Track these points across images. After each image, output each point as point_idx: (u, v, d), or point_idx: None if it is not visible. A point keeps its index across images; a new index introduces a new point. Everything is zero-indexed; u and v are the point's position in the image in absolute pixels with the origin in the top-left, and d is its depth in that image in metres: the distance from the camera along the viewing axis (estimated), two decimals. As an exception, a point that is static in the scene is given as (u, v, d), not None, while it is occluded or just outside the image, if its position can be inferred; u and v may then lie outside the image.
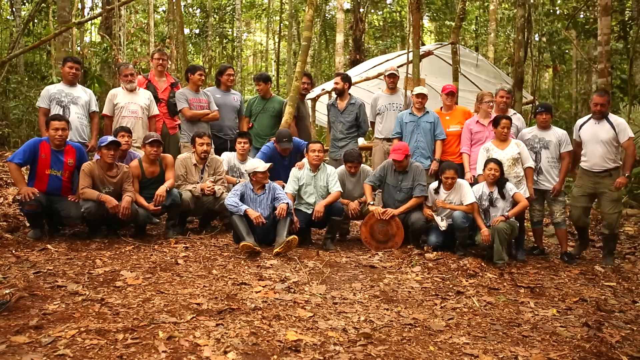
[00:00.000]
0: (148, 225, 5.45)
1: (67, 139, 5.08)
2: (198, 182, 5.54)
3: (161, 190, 5.13)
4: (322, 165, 5.50)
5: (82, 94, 5.72)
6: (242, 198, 5.13)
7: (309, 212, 5.42)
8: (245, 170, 5.53)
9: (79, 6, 15.46)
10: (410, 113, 5.99)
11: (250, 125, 6.60)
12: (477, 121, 5.71)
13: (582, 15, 13.51)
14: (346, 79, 6.57)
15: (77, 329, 2.78)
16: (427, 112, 5.97)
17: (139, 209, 5.08)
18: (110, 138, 5.02)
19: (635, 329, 3.44)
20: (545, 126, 5.52)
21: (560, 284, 4.46)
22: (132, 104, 5.82)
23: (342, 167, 5.83)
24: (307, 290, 3.79)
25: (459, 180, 5.34)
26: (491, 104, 5.66)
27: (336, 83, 6.61)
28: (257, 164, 5.17)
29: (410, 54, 7.62)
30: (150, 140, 5.23)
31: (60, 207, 4.94)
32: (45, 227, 5.03)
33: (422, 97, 5.90)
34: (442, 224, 5.22)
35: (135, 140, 5.67)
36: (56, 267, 3.97)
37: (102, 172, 4.99)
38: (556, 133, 5.49)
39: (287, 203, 5.06)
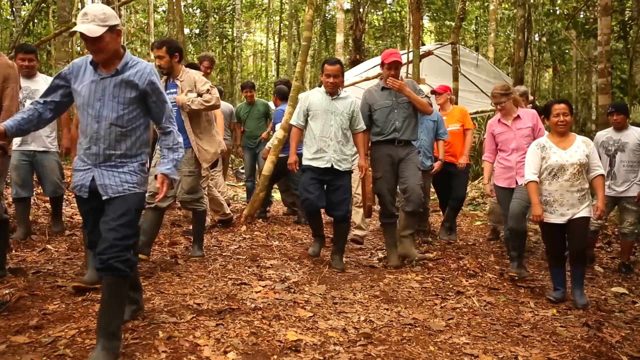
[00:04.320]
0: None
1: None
2: None
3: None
4: (341, 91, 4.55)
5: (43, 85, 4.59)
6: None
7: (323, 166, 4.36)
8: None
9: (79, 6, 15.46)
10: None
11: (242, 129, 7.22)
12: (499, 120, 4.75)
13: (582, 15, 13.51)
14: None
15: (77, 329, 2.78)
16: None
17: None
18: None
19: (635, 328, 3.44)
20: (620, 127, 4.91)
21: (560, 284, 4.45)
22: None
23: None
24: (307, 290, 3.79)
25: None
26: (502, 104, 4.65)
27: None
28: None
29: (410, 54, 7.63)
30: None
31: None
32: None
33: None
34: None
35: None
36: (56, 267, 3.97)
37: None
38: (635, 132, 4.85)
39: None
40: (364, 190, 5.00)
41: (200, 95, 4.31)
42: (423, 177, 5.48)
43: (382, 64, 4.64)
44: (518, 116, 4.64)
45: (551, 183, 3.88)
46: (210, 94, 4.31)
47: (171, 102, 4.22)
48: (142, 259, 4.05)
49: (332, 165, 4.36)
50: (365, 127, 4.52)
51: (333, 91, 4.43)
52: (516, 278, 4.37)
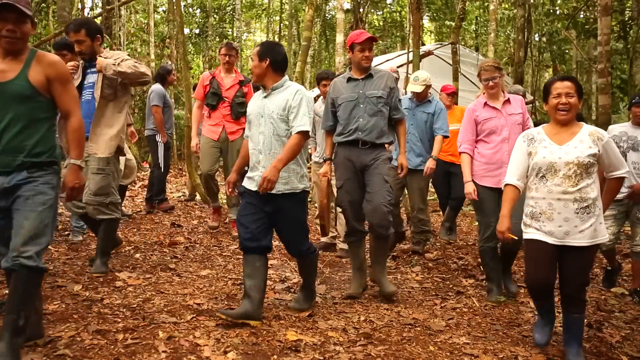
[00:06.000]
0: (150, 225, 5.43)
1: None
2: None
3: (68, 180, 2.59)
4: (284, 82, 3.25)
5: None
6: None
7: (253, 188, 3.19)
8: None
9: (79, 6, 15.46)
10: (409, 98, 5.10)
11: None
12: (486, 103, 3.92)
13: (582, 15, 13.51)
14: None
15: (77, 329, 2.79)
16: (429, 100, 5.09)
17: None
18: None
19: (635, 328, 3.44)
20: None
21: (560, 284, 4.45)
22: None
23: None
24: (307, 290, 3.79)
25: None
26: (495, 79, 3.86)
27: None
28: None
29: (410, 54, 7.64)
30: None
31: None
32: None
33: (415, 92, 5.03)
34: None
35: None
36: (56, 267, 3.97)
37: None
38: None
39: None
40: (320, 204, 4.03)
41: None
42: (417, 177, 4.95)
43: (351, 47, 3.78)
44: (508, 99, 3.90)
45: (538, 188, 2.84)
46: (139, 63, 3.83)
47: (88, 83, 3.82)
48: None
49: (256, 189, 3.13)
50: (305, 128, 3.13)
51: (260, 84, 3.31)
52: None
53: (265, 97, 3.24)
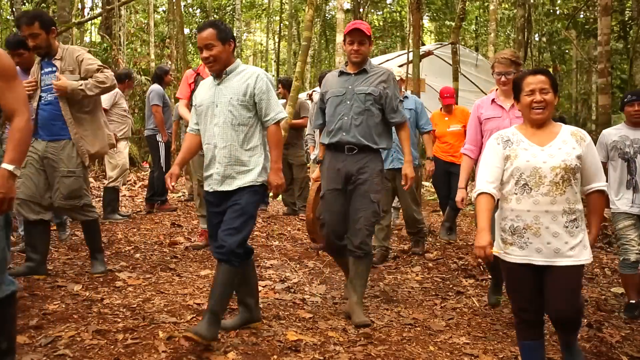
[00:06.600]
0: (150, 225, 5.43)
1: None
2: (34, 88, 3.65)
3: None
4: (238, 64, 2.93)
5: None
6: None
7: (209, 189, 2.92)
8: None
9: (79, 6, 15.46)
10: None
11: None
12: (493, 100, 3.49)
13: (582, 15, 13.52)
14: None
15: (77, 329, 2.79)
16: (406, 96, 4.84)
17: None
18: None
19: (635, 328, 3.44)
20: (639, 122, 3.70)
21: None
22: None
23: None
24: (307, 290, 3.80)
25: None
26: (509, 75, 3.37)
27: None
28: None
29: (410, 54, 7.64)
30: None
31: None
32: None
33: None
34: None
35: None
36: (56, 267, 3.97)
37: None
38: None
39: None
40: (306, 218, 3.64)
41: (87, 77, 3.57)
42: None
43: (344, 40, 3.42)
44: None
45: (520, 199, 2.38)
46: (103, 72, 3.59)
47: (46, 85, 3.60)
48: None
49: (214, 189, 2.86)
50: (283, 114, 2.93)
51: (213, 71, 2.89)
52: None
53: (218, 84, 2.89)
